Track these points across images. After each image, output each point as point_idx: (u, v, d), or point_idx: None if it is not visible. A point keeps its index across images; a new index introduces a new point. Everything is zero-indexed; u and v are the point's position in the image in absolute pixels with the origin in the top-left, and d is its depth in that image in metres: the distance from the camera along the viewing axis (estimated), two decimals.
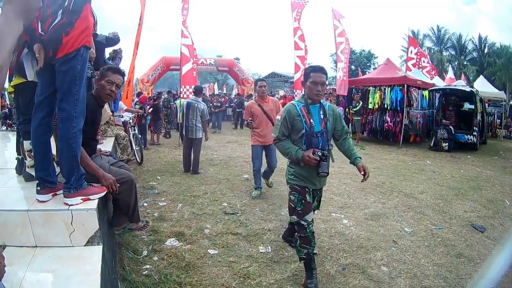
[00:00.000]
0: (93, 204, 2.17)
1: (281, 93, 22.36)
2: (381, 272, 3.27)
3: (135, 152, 7.27)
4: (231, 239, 3.76)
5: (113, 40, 4.89)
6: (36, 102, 2.17)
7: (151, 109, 10.94)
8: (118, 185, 2.43)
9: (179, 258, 3.22)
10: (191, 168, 6.95)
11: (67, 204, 2.12)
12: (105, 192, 2.33)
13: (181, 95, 10.53)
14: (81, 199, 2.16)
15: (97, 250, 2.05)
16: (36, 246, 2.04)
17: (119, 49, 5.62)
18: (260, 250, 3.54)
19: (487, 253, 3.88)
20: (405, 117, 11.45)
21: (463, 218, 4.89)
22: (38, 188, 2.19)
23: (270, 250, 3.56)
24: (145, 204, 4.83)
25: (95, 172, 2.35)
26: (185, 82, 10.45)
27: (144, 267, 3.04)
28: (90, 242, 2.10)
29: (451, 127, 11.18)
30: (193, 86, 8.64)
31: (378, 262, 3.46)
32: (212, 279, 2.90)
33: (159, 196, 5.29)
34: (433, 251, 3.80)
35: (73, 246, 2.07)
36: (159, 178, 6.40)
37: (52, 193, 2.22)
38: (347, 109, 13.80)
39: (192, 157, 6.98)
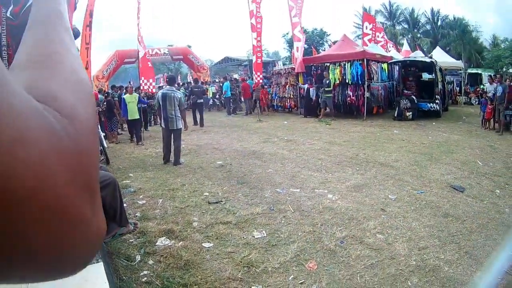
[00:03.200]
0: None
1: (235, 77, 21.99)
2: (378, 240, 3.32)
3: (101, 151, 6.80)
4: (222, 229, 3.61)
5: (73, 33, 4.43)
6: None
7: (104, 106, 10.17)
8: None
9: (176, 257, 3.03)
10: (173, 160, 6.67)
11: None
12: None
13: (141, 88, 9.97)
14: None
15: (99, 269, 1.83)
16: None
17: None
18: (256, 236, 3.44)
19: (471, 210, 4.07)
20: (366, 90, 11.72)
21: (441, 181, 5.08)
22: None
23: (265, 235, 3.46)
24: (124, 205, 4.51)
25: None
26: (143, 74, 9.88)
27: (141, 273, 2.82)
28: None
29: (413, 96, 11.63)
30: (166, 76, 8.22)
31: (372, 231, 3.51)
32: (216, 274, 2.76)
33: (136, 194, 4.98)
34: (421, 214, 3.92)
35: None
36: (132, 175, 6.04)
37: None
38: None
39: (172, 148, 6.71)
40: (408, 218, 3.81)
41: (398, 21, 36.91)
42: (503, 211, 4.10)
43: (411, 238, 3.34)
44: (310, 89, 13.13)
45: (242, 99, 15.76)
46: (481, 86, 11.72)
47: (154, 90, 9.88)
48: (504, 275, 2.38)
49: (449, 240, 3.33)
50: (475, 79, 19.50)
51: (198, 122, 11.83)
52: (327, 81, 12.11)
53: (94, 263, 1.86)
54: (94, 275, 1.78)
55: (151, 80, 9.62)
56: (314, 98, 13.03)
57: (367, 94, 11.76)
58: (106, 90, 13.11)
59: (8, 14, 1.72)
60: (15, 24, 1.74)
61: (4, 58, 1.99)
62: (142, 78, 9.69)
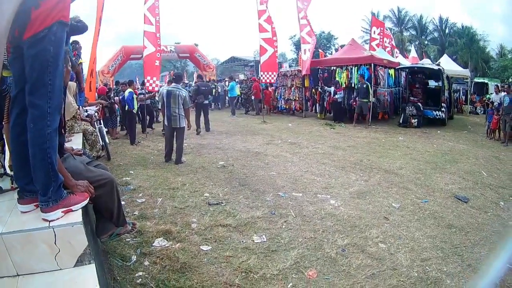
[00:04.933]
0: (78, 216, 1.82)
1: (241, 77, 21.93)
2: (380, 249, 3.24)
3: (102, 147, 6.76)
4: (222, 232, 3.54)
5: (78, 27, 4.34)
6: (11, 97, 1.81)
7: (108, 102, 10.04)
8: (94, 187, 2.07)
9: (172, 259, 2.95)
10: (174, 158, 6.63)
11: (46, 220, 1.75)
12: (88, 199, 1.98)
13: (146, 87, 9.81)
14: (62, 211, 1.79)
15: (91, 270, 1.74)
16: (18, 275, 1.70)
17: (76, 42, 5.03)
18: (255, 241, 3.36)
19: (475, 222, 3.99)
20: (372, 96, 11.58)
21: (446, 190, 5.00)
22: (18, 197, 1.88)
23: (265, 239, 3.39)
24: (123, 203, 4.45)
25: (67, 182, 1.96)
26: (148, 72, 9.71)
27: (136, 274, 2.74)
28: (80, 261, 1.77)
29: (419, 103, 11.51)
30: (173, 73, 8.05)
31: (374, 240, 3.44)
32: (213, 279, 2.69)
33: (135, 192, 4.91)
34: (424, 224, 3.85)
35: (61, 269, 1.74)
36: (132, 172, 5.98)
37: (35, 203, 1.85)
38: (313, 89, 13.90)
39: (175, 147, 6.66)
40: (411, 228, 3.73)
41: (406, 27, 36.80)
42: (506, 223, 4.02)
43: (413, 249, 3.26)
44: (338, 92, 12.28)
45: (253, 99, 15.65)
46: (487, 96, 11.55)
47: (156, 89, 9.71)
48: None
49: (452, 252, 3.25)
50: (481, 89, 19.31)
51: (204, 126, 10.45)
52: (364, 86, 11.33)
53: (86, 264, 1.78)
54: (85, 277, 1.70)
55: (154, 78, 9.46)
56: (340, 101, 12.34)
57: (373, 100, 11.63)
58: (112, 86, 13.03)
59: None
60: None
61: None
62: (148, 78, 9.49)
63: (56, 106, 1.75)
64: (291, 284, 2.64)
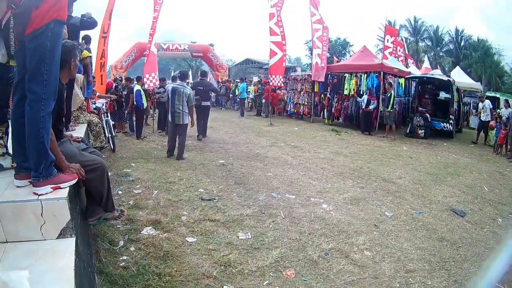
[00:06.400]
0: (64, 193, 1.99)
1: (255, 79, 22.00)
2: (365, 257, 3.23)
3: (109, 139, 6.90)
4: (209, 226, 3.61)
5: (88, 23, 4.47)
6: (14, 83, 2.05)
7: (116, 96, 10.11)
8: (85, 171, 2.24)
9: (157, 247, 3.04)
10: (176, 154, 6.75)
11: (36, 193, 1.94)
12: (76, 179, 2.14)
13: (146, 84, 9.71)
14: (51, 187, 1.99)
15: (70, 243, 1.89)
16: (7, 242, 1.88)
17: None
18: (240, 237, 3.41)
19: (469, 237, 3.94)
20: (381, 104, 11.48)
21: (443, 203, 4.94)
22: (15, 173, 2.09)
23: (250, 237, 3.44)
24: (120, 192, 4.56)
25: (60, 164, 2.14)
26: (148, 69, 9.50)
27: (121, 258, 2.85)
28: (62, 234, 1.94)
29: (427, 114, 11.37)
30: (178, 71, 8.03)
31: (360, 247, 3.42)
32: (192, 269, 2.75)
33: (133, 183, 5.03)
34: (415, 235, 3.81)
35: (44, 240, 1.92)
36: (133, 165, 6.10)
37: (29, 180, 2.03)
38: (322, 95, 13.81)
39: (177, 143, 6.78)
40: (400, 238, 3.70)
41: (422, 37, 36.33)
42: (502, 241, 3.94)
43: (399, 259, 3.24)
44: (372, 101, 11.24)
45: (263, 101, 15.71)
46: (497, 111, 11.30)
47: (156, 83, 9.66)
48: None
49: (440, 266, 3.21)
50: (493, 103, 18.90)
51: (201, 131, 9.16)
52: (388, 95, 10.91)
53: (67, 237, 1.93)
54: (64, 248, 1.84)
55: (153, 74, 9.34)
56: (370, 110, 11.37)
57: (381, 108, 11.50)
58: (115, 80, 13.08)
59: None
60: (16, 13, 1.86)
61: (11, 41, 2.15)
62: (147, 75, 9.28)
63: (51, 93, 1.93)
64: (267, 281, 2.68)
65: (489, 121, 10.94)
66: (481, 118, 11.42)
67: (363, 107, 11.40)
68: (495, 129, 10.23)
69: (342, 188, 5.27)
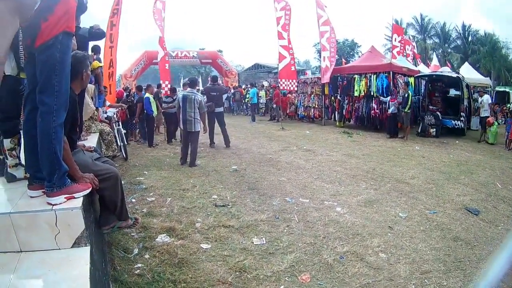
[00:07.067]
0: (78, 202, 2.02)
1: (265, 84, 22.04)
2: (380, 259, 3.21)
3: (121, 147, 7.03)
4: (223, 232, 3.64)
5: (97, 33, 4.58)
6: (25, 95, 2.09)
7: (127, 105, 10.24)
8: (99, 180, 2.27)
9: (172, 254, 3.08)
10: (189, 161, 6.82)
11: (50, 203, 1.97)
12: (90, 189, 2.18)
13: (165, 91, 9.97)
14: (65, 197, 2.01)
15: (85, 252, 1.91)
16: (21, 251, 1.90)
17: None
18: (255, 242, 3.43)
19: (484, 235, 3.88)
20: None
21: (457, 202, 4.88)
22: (28, 183, 2.12)
23: (264, 242, 3.45)
24: (133, 200, 4.64)
25: (74, 173, 2.18)
26: (162, 77, 9.90)
27: (136, 266, 2.89)
28: (77, 243, 1.96)
29: (438, 113, 11.23)
30: (187, 78, 8.21)
31: (375, 249, 3.40)
32: (207, 275, 2.78)
33: (147, 191, 5.10)
34: (429, 236, 3.77)
35: (59, 249, 1.94)
36: (146, 173, 6.19)
37: (43, 190, 2.07)
38: (332, 97, 13.77)
39: (189, 150, 6.85)
40: (415, 239, 3.67)
41: (429, 35, 35.97)
42: None
43: (414, 260, 3.21)
44: (391, 103, 10.81)
45: (274, 106, 15.76)
46: (508, 105, 11.07)
47: (168, 92, 9.89)
48: None
49: (455, 266, 3.17)
50: (503, 97, 18.58)
51: (223, 141, 8.99)
52: (406, 95, 10.54)
53: (82, 246, 1.95)
54: (78, 257, 1.86)
55: (166, 82, 9.69)
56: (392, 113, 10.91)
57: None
58: (131, 89, 13.34)
59: None
60: (23, 26, 1.89)
61: (20, 54, 2.18)
62: (164, 82, 9.70)
63: (62, 104, 1.96)
64: (283, 286, 2.69)
65: (487, 117, 10.70)
66: (480, 114, 11.21)
67: (388, 109, 10.95)
68: (494, 125, 10.04)
69: (356, 191, 5.25)
